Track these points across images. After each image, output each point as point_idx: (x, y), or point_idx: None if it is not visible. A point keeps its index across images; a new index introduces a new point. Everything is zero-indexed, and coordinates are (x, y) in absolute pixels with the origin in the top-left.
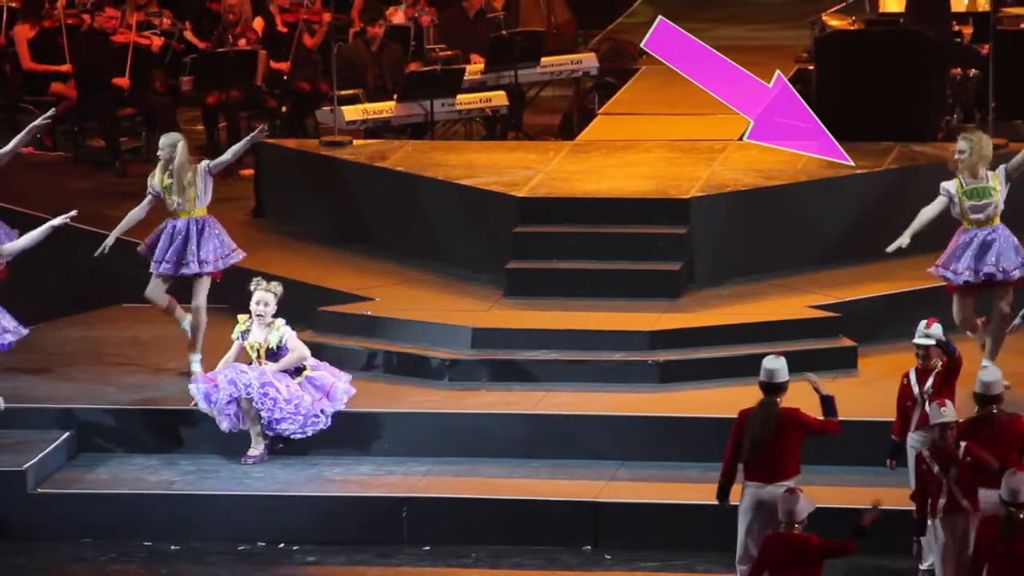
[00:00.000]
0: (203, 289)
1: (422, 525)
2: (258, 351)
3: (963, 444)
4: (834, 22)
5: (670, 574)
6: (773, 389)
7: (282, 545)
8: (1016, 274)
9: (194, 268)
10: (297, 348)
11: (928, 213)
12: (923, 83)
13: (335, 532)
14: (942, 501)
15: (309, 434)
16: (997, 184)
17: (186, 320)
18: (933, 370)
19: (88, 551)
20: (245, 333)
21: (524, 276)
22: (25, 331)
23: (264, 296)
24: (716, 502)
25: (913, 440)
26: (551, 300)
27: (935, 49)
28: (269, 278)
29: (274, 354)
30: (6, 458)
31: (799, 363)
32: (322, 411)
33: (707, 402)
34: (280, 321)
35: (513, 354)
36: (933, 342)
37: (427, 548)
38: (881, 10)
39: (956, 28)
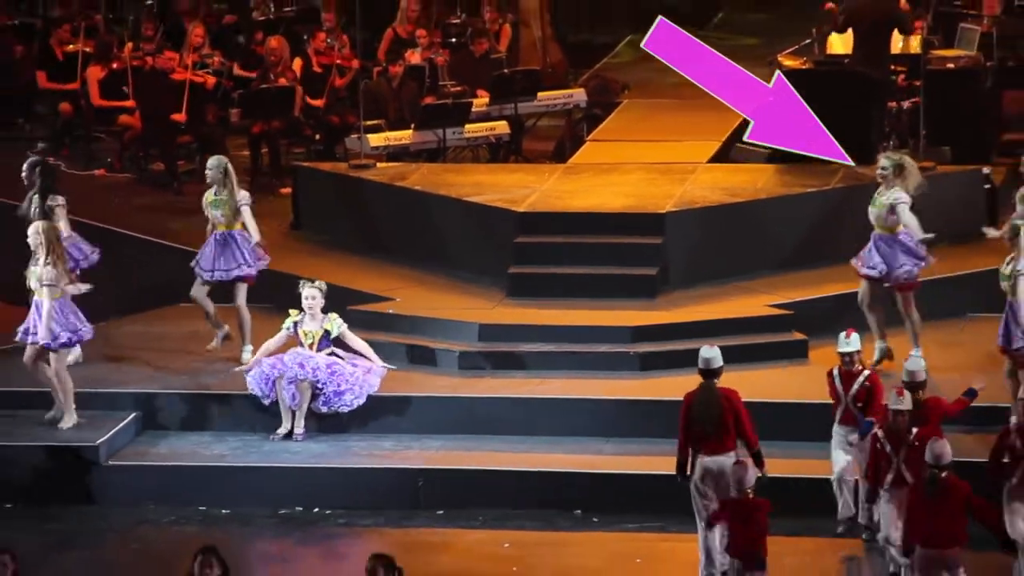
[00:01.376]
0: (241, 292)
1: (436, 493)
2: (312, 339)
3: (914, 429)
4: (788, 62)
5: (647, 534)
6: (711, 374)
7: (316, 510)
8: (900, 277)
9: (224, 275)
10: (356, 338)
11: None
12: (864, 114)
13: (362, 499)
14: (890, 476)
15: (355, 406)
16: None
17: (221, 333)
18: (858, 373)
19: (151, 515)
20: (297, 324)
21: (524, 280)
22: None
23: (312, 292)
24: (676, 475)
25: (837, 432)
26: (547, 300)
27: (875, 86)
28: (304, 279)
29: (327, 342)
30: (82, 435)
31: (758, 354)
32: (368, 383)
33: (681, 387)
34: (334, 315)
35: (514, 346)
36: (856, 348)
37: (440, 512)
38: (828, 52)
39: (893, 68)
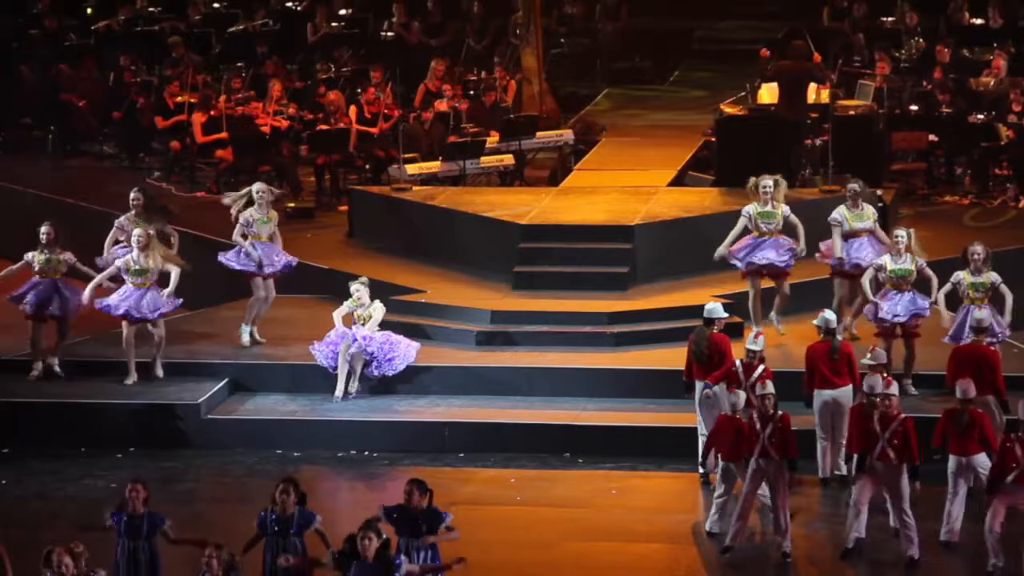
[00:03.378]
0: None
1: (458, 440)
2: (363, 321)
3: (780, 412)
4: (728, 109)
5: (621, 472)
6: (708, 322)
7: (366, 453)
8: (781, 264)
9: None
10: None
11: (733, 233)
12: (786, 149)
13: (401, 444)
14: (757, 448)
15: (399, 370)
16: (780, 210)
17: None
18: (757, 365)
19: (240, 457)
20: (356, 307)
21: (526, 276)
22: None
23: (357, 286)
24: (662, 423)
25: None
26: (544, 292)
27: (795, 127)
28: (357, 276)
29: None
30: (186, 394)
31: None
32: (408, 354)
33: (647, 359)
34: (378, 302)
35: (518, 327)
36: (761, 348)
37: (461, 455)
38: (759, 101)
39: (810, 113)
